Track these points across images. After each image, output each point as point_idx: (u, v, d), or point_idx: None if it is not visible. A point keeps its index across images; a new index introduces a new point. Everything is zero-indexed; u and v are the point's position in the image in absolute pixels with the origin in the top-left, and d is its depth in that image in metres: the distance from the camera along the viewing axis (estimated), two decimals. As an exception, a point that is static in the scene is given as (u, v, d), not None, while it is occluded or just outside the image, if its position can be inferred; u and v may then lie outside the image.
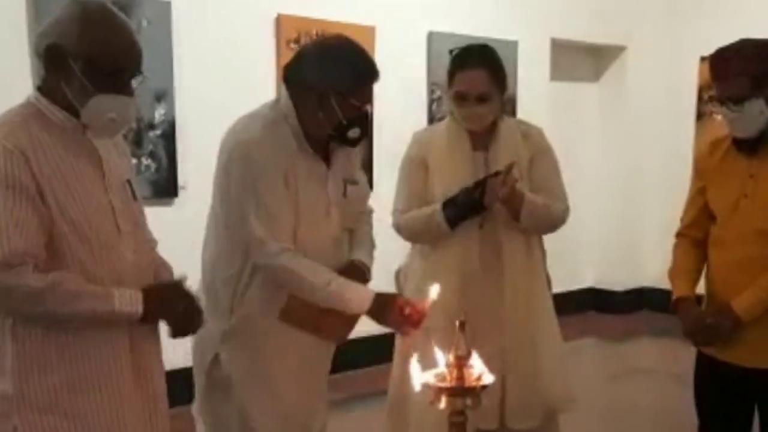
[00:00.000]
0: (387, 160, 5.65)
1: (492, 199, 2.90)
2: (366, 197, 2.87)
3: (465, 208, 2.95)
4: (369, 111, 2.68)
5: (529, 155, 3.09)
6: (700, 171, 2.86)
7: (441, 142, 3.09)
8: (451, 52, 3.12)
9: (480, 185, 2.92)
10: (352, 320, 2.80)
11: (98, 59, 2.02)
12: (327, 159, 2.68)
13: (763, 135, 2.64)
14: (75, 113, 2.06)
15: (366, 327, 2.78)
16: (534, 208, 2.98)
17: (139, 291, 2.07)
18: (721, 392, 2.78)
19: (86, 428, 2.03)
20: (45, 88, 2.08)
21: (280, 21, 5.15)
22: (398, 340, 3.18)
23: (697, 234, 2.84)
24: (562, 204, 3.10)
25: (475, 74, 2.97)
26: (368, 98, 2.64)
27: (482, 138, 3.07)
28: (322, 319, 2.68)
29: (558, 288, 3.48)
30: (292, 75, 2.61)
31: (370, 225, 2.88)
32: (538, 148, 3.14)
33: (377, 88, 5.35)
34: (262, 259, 2.55)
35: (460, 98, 2.99)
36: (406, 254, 3.30)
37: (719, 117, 2.70)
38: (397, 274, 3.28)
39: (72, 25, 2.01)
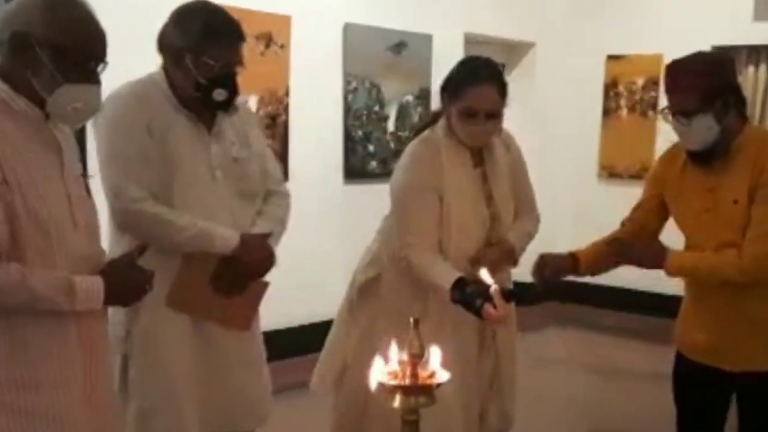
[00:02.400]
0: (303, 151, 5.64)
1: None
2: (266, 166, 2.89)
3: (469, 305, 2.70)
4: (235, 72, 2.65)
5: (512, 166, 3.07)
6: (656, 180, 2.89)
7: (450, 166, 2.90)
8: (457, 64, 3.00)
9: (482, 294, 2.63)
10: (253, 304, 2.83)
11: (68, 47, 2.00)
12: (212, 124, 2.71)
13: (715, 148, 2.63)
14: (37, 102, 2.01)
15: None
16: (522, 249, 3.03)
17: (101, 284, 2.05)
18: (698, 387, 2.85)
19: (34, 429, 1.98)
20: (7, 75, 2.01)
21: None
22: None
23: (632, 230, 2.92)
24: (534, 215, 3.16)
25: (488, 89, 2.85)
26: (225, 57, 2.60)
27: (476, 153, 2.98)
28: (216, 304, 2.69)
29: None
30: (158, 40, 2.67)
31: (281, 206, 2.91)
32: (517, 158, 3.12)
33: (293, 79, 5.44)
34: (121, 205, 2.56)
35: (471, 114, 2.84)
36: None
37: (670, 128, 2.74)
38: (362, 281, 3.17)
39: (39, 13, 1.97)
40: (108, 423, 2.15)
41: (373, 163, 6.13)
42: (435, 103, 6.45)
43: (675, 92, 2.63)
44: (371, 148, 6.11)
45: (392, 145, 6.24)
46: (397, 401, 1.82)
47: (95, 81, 2.07)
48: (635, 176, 6.77)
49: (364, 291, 3.08)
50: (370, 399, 2.77)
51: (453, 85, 2.90)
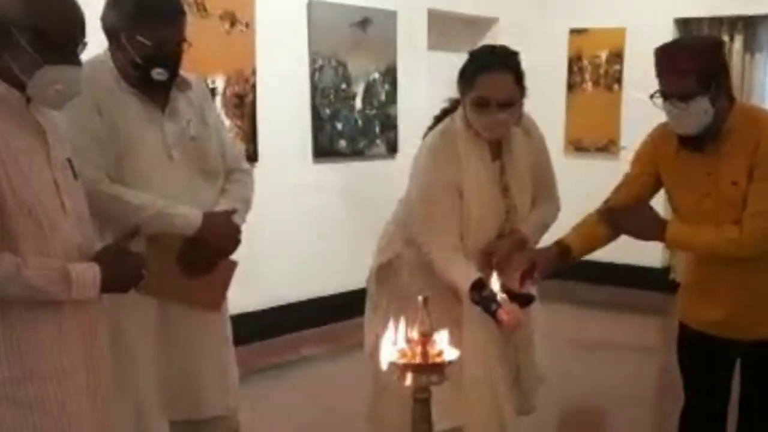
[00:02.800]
0: (271, 131, 5.59)
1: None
2: (224, 143, 2.86)
3: (486, 308, 2.64)
4: (175, 50, 2.62)
5: (534, 154, 2.96)
6: (649, 158, 2.82)
7: (468, 160, 2.81)
8: (470, 53, 2.89)
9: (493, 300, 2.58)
10: (222, 283, 2.81)
11: (47, 29, 1.97)
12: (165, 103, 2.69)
13: (707, 132, 2.62)
14: (17, 86, 1.98)
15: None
16: (536, 239, 2.96)
17: (97, 269, 2.03)
18: (698, 354, 2.88)
19: (37, 420, 1.98)
20: None
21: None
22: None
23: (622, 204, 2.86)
24: (553, 202, 3.05)
25: (501, 78, 2.74)
26: (160, 35, 2.56)
27: (494, 145, 2.88)
28: (184, 285, 2.66)
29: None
30: (100, 20, 2.62)
31: (244, 184, 2.89)
32: (539, 145, 3.00)
33: (259, 59, 5.37)
34: None
35: (482, 104, 2.74)
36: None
37: (664, 113, 2.66)
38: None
39: None
40: (110, 412, 2.14)
41: (342, 142, 6.09)
42: (401, 80, 6.47)
43: (672, 75, 2.57)
44: (339, 126, 6.07)
45: (360, 123, 6.21)
46: (408, 380, 1.82)
47: (75, 62, 2.04)
48: (602, 149, 6.83)
49: (383, 273, 3.05)
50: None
51: (466, 74, 2.81)
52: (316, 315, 5.85)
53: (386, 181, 6.45)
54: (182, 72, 2.82)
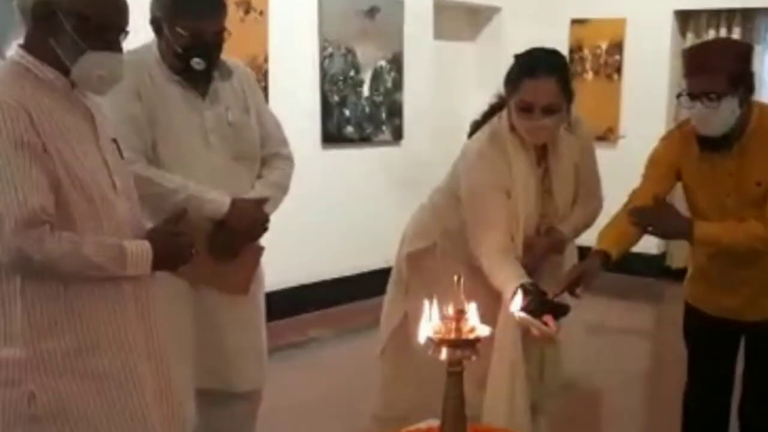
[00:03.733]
0: (282, 116, 5.65)
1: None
2: (267, 129, 2.95)
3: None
4: (214, 41, 2.71)
5: (580, 150, 2.92)
6: (670, 163, 2.86)
7: (516, 165, 2.78)
8: (516, 56, 2.84)
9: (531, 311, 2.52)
10: (249, 268, 2.89)
11: (91, 16, 2.02)
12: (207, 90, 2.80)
13: (731, 133, 2.67)
14: (62, 70, 2.05)
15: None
16: (573, 237, 2.96)
17: (149, 247, 2.10)
18: (708, 334, 3.01)
19: (103, 390, 2.06)
20: (30, 45, 2.05)
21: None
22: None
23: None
24: (594, 202, 3.00)
25: (544, 83, 2.68)
26: (197, 27, 2.66)
27: (539, 148, 2.84)
28: (212, 269, 2.75)
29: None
30: (149, 10, 2.75)
31: (281, 170, 2.98)
32: (585, 141, 2.97)
33: (272, 46, 5.48)
34: None
35: (526, 109, 2.69)
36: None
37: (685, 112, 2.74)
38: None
39: None
40: (170, 383, 2.22)
41: (350, 128, 6.23)
42: (407, 68, 6.61)
43: (704, 73, 2.61)
44: (347, 113, 6.20)
45: (367, 109, 6.35)
46: (443, 354, 1.98)
47: (117, 49, 2.10)
48: (601, 138, 6.97)
49: (413, 261, 3.07)
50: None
51: (511, 77, 2.77)
52: (322, 298, 5.99)
53: (392, 166, 6.62)
54: (230, 59, 2.93)
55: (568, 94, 2.74)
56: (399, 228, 6.97)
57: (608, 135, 7.13)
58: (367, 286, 6.44)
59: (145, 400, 2.12)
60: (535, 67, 2.71)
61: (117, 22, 2.09)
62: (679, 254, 6.73)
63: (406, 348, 2.86)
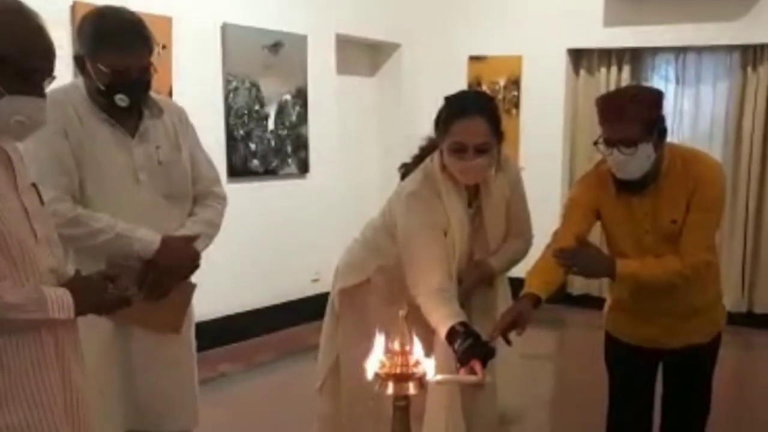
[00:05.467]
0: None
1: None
2: (200, 168, 2.93)
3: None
4: (138, 77, 2.66)
5: (510, 188, 2.97)
6: (588, 204, 2.95)
7: (450, 206, 2.83)
8: (446, 98, 2.86)
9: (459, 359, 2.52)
10: (181, 306, 2.86)
11: (14, 58, 1.91)
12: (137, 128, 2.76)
13: (647, 175, 2.79)
14: None
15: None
16: (503, 270, 3.00)
17: (68, 292, 2.01)
18: (628, 362, 3.12)
19: None
20: None
21: (75, 8, 4.98)
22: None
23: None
24: (525, 238, 3.05)
25: (476, 123, 2.72)
26: (119, 63, 2.60)
27: (471, 188, 2.88)
28: (143, 308, 2.66)
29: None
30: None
31: (213, 208, 2.96)
32: (514, 180, 3.00)
33: (175, 80, 5.44)
34: None
35: (459, 150, 2.73)
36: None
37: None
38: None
39: None
40: None
41: (255, 162, 6.23)
42: (312, 101, 6.65)
43: (620, 122, 2.70)
44: (253, 146, 6.20)
45: (273, 143, 6.35)
46: (390, 388, 2.00)
47: (39, 93, 1.99)
48: (500, 171, 7.15)
49: (346, 296, 3.10)
50: (358, 394, 2.87)
51: (442, 119, 2.79)
52: (229, 332, 5.93)
53: (298, 199, 6.64)
54: (160, 97, 2.92)
55: (498, 134, 2.78)
56: (306, 261, 7.03)
57: (507, 168, 7.28)
58: (275, 318, 6.45)
59: None
60: (466, 108, 2.75)
61: (39, 66, 1.98)
62: (579, 281, 6.97)
63: (343, 384, 2.89)
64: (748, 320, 6.52)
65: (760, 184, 6.77)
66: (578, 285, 7.12)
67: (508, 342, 2.70)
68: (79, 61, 2.69)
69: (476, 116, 2.72)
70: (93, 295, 2.10)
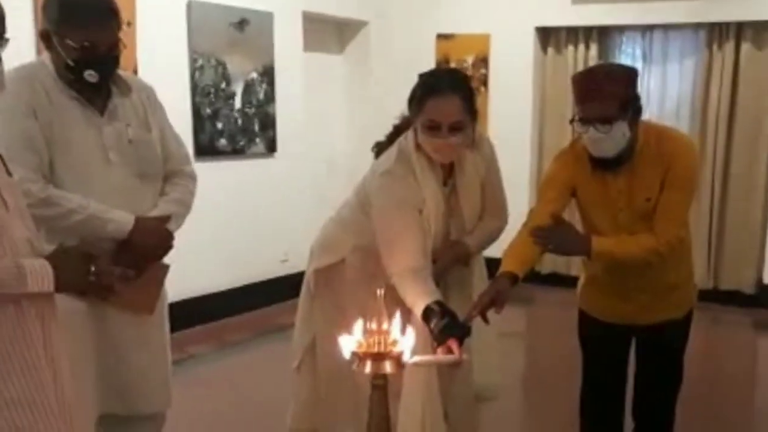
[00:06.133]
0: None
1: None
2: (169, 146, 2.89)
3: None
4: (106, 52, 2.62)
5: (485, 167, 2.95)
6: (564, 182, 2.95)
7: (424, 184, 2.80)
8: (420, 76, 2.83)
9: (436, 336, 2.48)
10: (154, 287, 2.85)
11: None
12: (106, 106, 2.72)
13: (623, 153, 2.80)
14: None
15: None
16: (479, 250, 2.99)
17: (48, 265, 1.99)
18: (601, 339, 3.15)
19: (12, 417, 1.97)
20: None
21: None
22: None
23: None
24: (501, 217, 3.04)
25: (449, 101, 2.69)
26: (86, 38, 2.56)
27: (446, 167, 2.86)
28: (120, 291, 2.58)
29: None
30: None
31: (184, 187, 2.94)
32: (489, 160, 2.97)
33: (140, 58, 5.36)
34: None
35: (433, 127, 2.70)
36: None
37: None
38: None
39: None
40: (73, 405, 2.14)
41: (222, 141, 6.16)
42: (279, 79, 6.59)
43: (595, 100, 2.71)
44: (219, 125, 6.13)
45: (240, 121, 6.29)
46: (368, 367, 1.99)
47: None
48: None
49: (321, 277, 3.08)
50: (335, 374, 2.87)
51: (416, 97, 2.76)
52: (198, 313, 5.89)
53: (266, 179, 6.58)
54: (129, 75, 2.87)
55: (472, 112, 2.77)
56: (275, 241, 6.98)
57: (475, 147, 7.28)
58: (245, 299, 6.41)
59: (57, 425, 2.04)
60: (439, 86, 2.72)
61: None
62: (547, 260, 7.00)
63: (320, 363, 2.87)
64: (714, 296, 6.64)
65: (725, 162, 6.84)
66: (546, 264, 7.16)
67: (486, 321, 2.69)
68: (46, 37, 2.64)
69: (450, 94, 2.70)
70: (75, 274, 2.07)
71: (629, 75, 2.84)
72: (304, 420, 3.14)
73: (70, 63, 2.59)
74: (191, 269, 5.80)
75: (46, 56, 2.69)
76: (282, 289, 6.59)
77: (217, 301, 6.12)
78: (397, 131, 2.97)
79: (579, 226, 3.04)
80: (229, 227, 6.23)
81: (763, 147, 6.74)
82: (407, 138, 2.85)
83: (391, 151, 2.87)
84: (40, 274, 1.97)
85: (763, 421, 4.63)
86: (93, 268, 2.12)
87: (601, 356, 3.18)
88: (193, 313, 5.80)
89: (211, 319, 6.03)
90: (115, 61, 2.70)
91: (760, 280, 6.83)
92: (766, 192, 6.77)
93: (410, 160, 2.81)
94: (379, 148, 3.02)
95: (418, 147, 2.80)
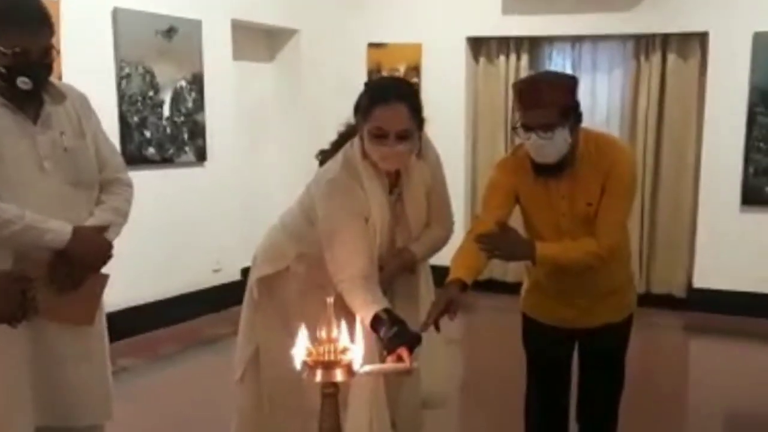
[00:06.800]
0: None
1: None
2: (104, 154, 2.81)
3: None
4: (37, 60, 2.54)
5: (431, 175, 2.93)
6: (507, 188, 2.97)
7: (372, 192, 2.77)
8: (366, 84, 2.82)
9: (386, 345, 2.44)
10: (93, 297, 2.77)
11: None
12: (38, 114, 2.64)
13: (564, 159, 2.83)
14: None
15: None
16: (425, 257, 2.97)
17: None
18: (545, 342, 3.16)
19: None
20: None
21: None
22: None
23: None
24: (446, 224, 3.02)
25: (396, 109, 2.67)
26: (18, 44, 2.48)
27: (392, 175, 2.83)
28: (54, 300, 2.61)
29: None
30: None
31: (120, 195, 2.86)
32: (434, 168, 2.96)
33: (65, 66, 5.21)
34: None
35: (380, 135, 2.67)
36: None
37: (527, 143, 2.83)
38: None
39: None
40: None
41: (151, 149, 6.02)
42: (208, 88, 6.47)
43: (537, 107, 2.75)
44: (148, 134, 5.99)
45: (168, 130, 6.16)
46: (319, 376, 1.93)
47: None
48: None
49: (265, 285, 3.00)
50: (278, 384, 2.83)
51: (362, 105, 2.75)
52: (128, 325, 5.73)
53: (196, 188, 6.46)
54: (61, 83, 2.78)
55: (419, 121, 2.75)
56: (206, 250, 6.85)
57: (408, 155, 7.27)
58: (175, 310, 6.27)
59: None
60: (387, 94, 2.71)
61: None
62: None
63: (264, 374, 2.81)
64: (646, 301, 6.72)
65: (654, 169, 6.97)
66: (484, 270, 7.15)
67: (438, 329, 2.68)
68: None
69: (397, 103, 2.67)
70: (6, 304, 2.03)
71: (570, 83, 2.88)
72: None
73: (2, 70, 2.50)
74: (121, 280, 5.60)
75: None
76: (214, 299, 6.48)
77: (147, 313, 5.96)
78: (342, 139, 2.92)
79: (522, 232, 3.03)
80: (159, 237, 6.08)
81: (691, 154, 6.90)
82: (353, 146, 2.81)
83: (337, 159, 2.83)
84: None
85: (697, 423, 4.71)
86: (28, 294, 2.04)
87: (545, 359, 3.20)
88: (122, 325, 5.63)
89: (142, 331, 5.88)
90: (48, 68, 2.61)
91: (690, 283, 6.97)
92: (695, 197, 6.91)
93: (356, 168, 2.77)
94: (324, 156, 2.97)
95: (365, 155, 2.76)
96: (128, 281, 5.73)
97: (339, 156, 2.84)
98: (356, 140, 2.81)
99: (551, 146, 2.78)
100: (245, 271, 6.41)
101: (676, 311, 6.89)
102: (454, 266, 2.82)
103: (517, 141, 3.01)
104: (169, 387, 5.11)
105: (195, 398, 4.78)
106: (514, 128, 2.87)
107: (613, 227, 2.88)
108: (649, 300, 6.82)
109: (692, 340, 6.66)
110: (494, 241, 2.81)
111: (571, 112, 2.80)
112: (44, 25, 2.57)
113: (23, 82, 2.52)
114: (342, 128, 2.97)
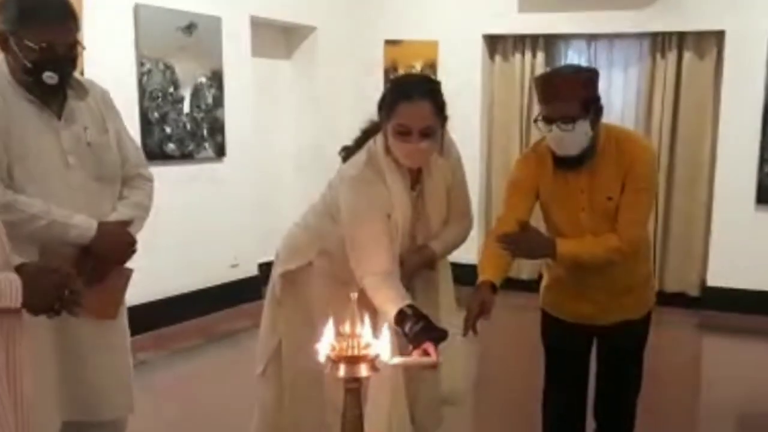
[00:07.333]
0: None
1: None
2: (125, 149, 2.87)
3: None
4: (65, 54, 2.60)
5: (451, 172, 2.95)
6: (528, 184, 3.00)
7: (395, 188, 2.79)
8: (391, 81, 2.83)
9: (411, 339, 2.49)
10: (117, 291, 2.83)
11: None
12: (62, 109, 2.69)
13: (585, 152, 2.87)
14: None
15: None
16: (445, 254, 3.00)
17: (17, 278, 1.94)
18: (564, 338, 3.20)
19: None
20: None
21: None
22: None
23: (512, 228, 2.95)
24: (465, 221, 3.05)
25: (420, 107, 2.68)
26: (45, 39, 2.54)
27: (414, 171, 2.85)
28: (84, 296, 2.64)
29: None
30: None
31: (142, 190, 2.93)
32: (456, 165, 2.98)
33: (87, 62, 5.28)
34: None
35: (404, 132, 2.69)
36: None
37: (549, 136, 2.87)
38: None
39: None
40: (30, 420, 2.07)
41: (171, 145, 6.09)
42: (227, 84, 6.53)
43: (558, 100, 2.78)
44: (168, 129, 6.05)
45: (188, 126, 6.22)
46: (342, 371, 1.98)
47: None
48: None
49: (287, 281, 3.04)
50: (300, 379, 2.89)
51: (386, 102, 2.76)
52: (147, 319, 5.79)
53: (215, 183, 6.52)
54: (84, 78, 2.84)
55: (442, 118, 2.77)
56: (224, 246, 6.91)
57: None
58: (195, 305, 6.33)
59: None
60: (411, 91, 2.72)
61: None
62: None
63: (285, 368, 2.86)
64: (659, 299, 6.68)
65: (669, 167, 6.99)
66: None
67: (476, 332, 2.75)
68: (2, 39, 2.59)
69: (421, 99, 2.69)
70: (46, 296, 2.01)
71: (591, 76, 2.91)
72: (269, 427, 3.10)
73: (29, 65, 2.56)
74: (139, 274, 5.70)
75: (1, 60, 2.64)
76: (231, 294, 6.55)
77: (167, 307, 6.04)
78: (365, 135, 2.95)
79: (543, 229, 3.08)
80: (178, 232, 6.15)
81: (706, 152, 6.91)
82: (377, 142, 2.84)
83: (360, 156, 2.86)
84: (8, 288, 1.92)
85: (710, 421, 4.74)
86: (67, 292, 2.07)
87: (563, 355, 3.24)
88: (142, 319, 5.70)
89: (160, 325, 5.94)
90: (73, 62, 2.67)
91: (703, 282, 6.99)
92: (709, 196, 6.93)
93: (379, 164, 2.80)
94: (347, 153, 3.00)
95: (388, 151, 2.79)
96: (147, 275, 5.79)
97: (362, 153, 2.87)
98: (379, 137, 2.83)
99: (572, 138, 2.81)
100: (262, 267, 6.50)
101: (690, 309, 6.90)
102: (481, 268, 2.87)
103: (536, 137, 3.05)
104: (188, 380, 5.18)
105: (213, 391, 4.84)
106: (535, 121, 2.91)
107: (635, 223, 2.92)
108: (663, 298, 6.76)
109: (706, 339, 6.67)
110: (514, 240, 2.86)
111: (591, 105, 2.83)
112: (70, 20, 2.64)
113: (49, 77, 2.57)
114: (365, 125, 2.99)
